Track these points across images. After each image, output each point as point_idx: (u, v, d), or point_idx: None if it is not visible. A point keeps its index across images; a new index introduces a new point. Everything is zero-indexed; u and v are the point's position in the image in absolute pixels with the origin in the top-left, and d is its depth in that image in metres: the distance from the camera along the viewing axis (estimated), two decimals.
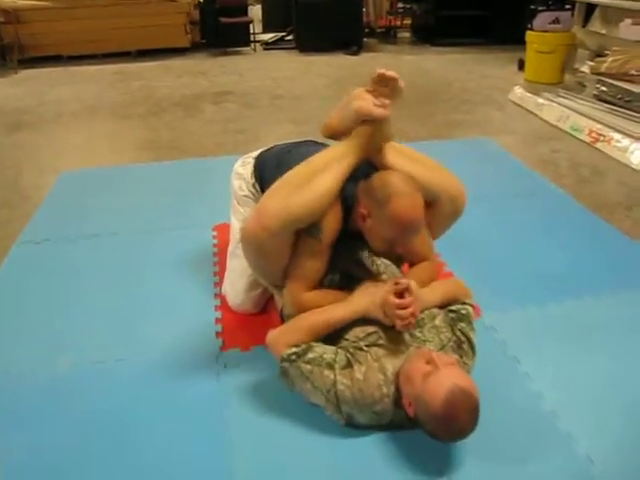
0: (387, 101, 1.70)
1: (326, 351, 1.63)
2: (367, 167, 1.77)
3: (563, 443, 1.60)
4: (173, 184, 3.39)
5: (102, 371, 1.91)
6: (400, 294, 1.63)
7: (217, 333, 2.07)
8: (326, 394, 1.60)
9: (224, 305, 2.20)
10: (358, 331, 1.69)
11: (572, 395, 1.78)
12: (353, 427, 1.63)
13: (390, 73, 1.68)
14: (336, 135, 1.85)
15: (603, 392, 1.79)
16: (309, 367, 1.61)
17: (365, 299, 1.69)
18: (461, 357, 1.69)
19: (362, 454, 1.57)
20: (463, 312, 1.79)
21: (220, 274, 2.34)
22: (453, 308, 1.80)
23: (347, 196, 1.72)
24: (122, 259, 2.58)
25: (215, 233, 2.74)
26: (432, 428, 1.49)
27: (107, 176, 3.53)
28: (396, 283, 1.66)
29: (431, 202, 1.80)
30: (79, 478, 1.54)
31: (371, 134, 1.73)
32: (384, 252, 1.78)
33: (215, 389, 1.81)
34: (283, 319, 1.87)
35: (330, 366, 1.60)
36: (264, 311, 2.15)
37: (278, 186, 1.68)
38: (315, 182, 1.65)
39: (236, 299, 2.15)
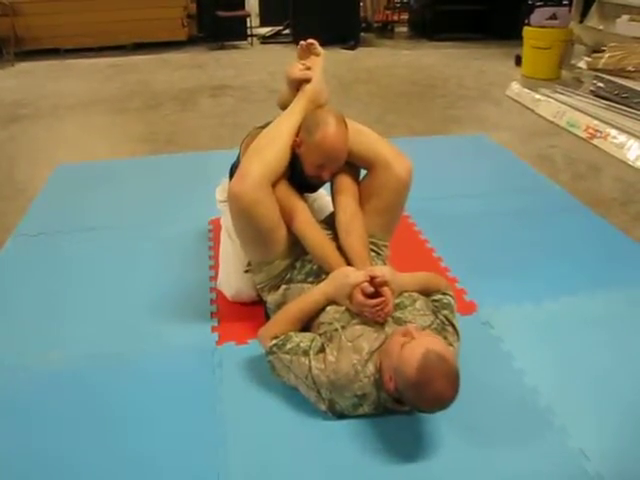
0: (308, 64, 2.02)
1: (303, 339, 1.69)
2: None
3: (557, 438, 1.61)
4: (169, 178, 3.38)
5: (96, 364, 1.91)
6: (371, 295, 1.68)
7: (213, 327, 2.06)
8: (305, 381, 1.62)
9: (220, 299, 2.20)
10: (332, 311, 1.74)
11: (567, 390, 1.78)
12: (340, 417, 1.63)
13: (309, 40, 2.08)
14: (287, 105, 2.03)
15: (598, 388, 1.79)
16: (288, 357, 1.66)
17: (334, 286, 1.75)
18: (445, 339, 1.70)
19: (354, 443, 1.57)
20: (445, 301, 1.82)
21: (216, 268, 2.33)
22: (435, 298, 1.84)
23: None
24: (118, 252, 2.58)
25: (211, 227, 2.73)
26: (412, 397, 1.48)
27: (103, 169, 3.52)
28: (372, 277, 1.69)
29: (369, 168, 1.96)
30: (72, 470, 1.53)
31: (308, 95, 1.96)
32: (315, 178, 1.91)
33: (210, 382, 1.81)
34: (268, 316, 1.95)
35: (305, 353, 1.64)
36: (260, 303, 2.15)
37: (249, 153, 1.85)
38: (277, 138, 1.87)
39: (232, 288, 2.15)
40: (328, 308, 1.75)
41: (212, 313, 2.14)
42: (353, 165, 1.98)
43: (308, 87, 1.99)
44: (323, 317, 1.75)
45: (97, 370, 1.88)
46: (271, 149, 1.83)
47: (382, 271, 1.72)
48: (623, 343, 1.99)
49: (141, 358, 1.94)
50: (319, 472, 1.52)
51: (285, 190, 1.88)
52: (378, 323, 1.69)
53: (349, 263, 1.83)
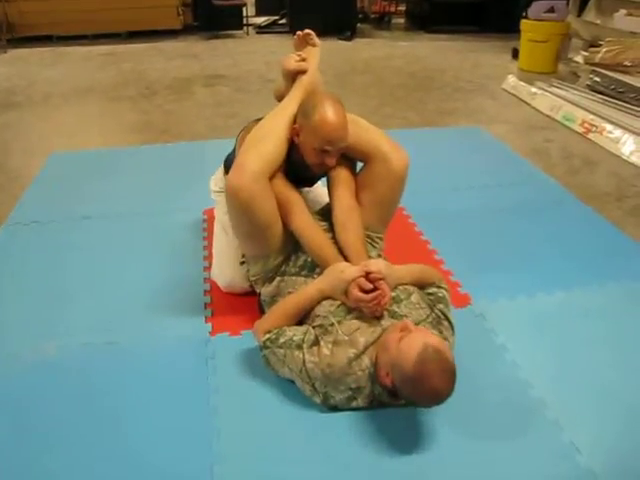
0: (304, 55, 2.01)
1: (296, 333, 1.68)
2: None
3: (550, 431, 1.61)
4: (164, 167, 3.36)
5: (90, 354, 1.90)
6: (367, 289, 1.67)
7: (206, 318, 2.06)
8: (299, 374, 1.62)
9: (214, 290, 2.19)
10: (327, 304, 1.74)
11: (560, 384, 1.79)
12: (335, 409, 1.63)
13: (306, 31, 2.09)
14: (283, 96, 2.03)
15: (591, 381, 1.80)
16: (282, 351, 1.66)
17: (329, 282, 1.74)
18: (441, 332, 1.70)
19: (349, 435, 1.57)
20: (440, 295, 1.82)
21: (209, 259, 2.32)
22: (430, 291, 1.83)
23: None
24: (111, 242, 2.56)
25: (205, 217, 2.72)
26: (408, 392, 1.49)
27: (97, 158, 3.49)
28: (367, 272, 1.69)
29: (366, 161, 1.94)
30: (66, 460, 1.53)
31: (304, 86, 1.96)
32: (318, 166, 1.87)
33: (204, 374, 1.81)
34: (262, 308, 1.95)
35: (299, 346, 1.64)
36: (253, 294, 2.14)
37: (246, 146, 1.83)
38: (273, 130, 1.85)
39: (225, 278, 2.15)
40: (324, 301, 1.75)
41: (206, 304, 2.13)
42: (349, 158, 1.96)
43: (304, 78, 1.98)
44: (318, 309, 1.75)
45: (91, 360, 1.88)
46: (268, 142, 1.81)
47: (378, 265, 1.71)
48: (616, 336, 1.99)
49: (134, 348, 1.93)
50: (314, 463, 1.52)
51: (281, 184, 1.86)
52: (375, 317, 1.68)
53: (346, 259, 1.82)
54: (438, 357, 1.44)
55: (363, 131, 1.93)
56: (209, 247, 2.42)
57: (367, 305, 1.66)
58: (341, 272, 1.72)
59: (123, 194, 3.02)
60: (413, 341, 1.47)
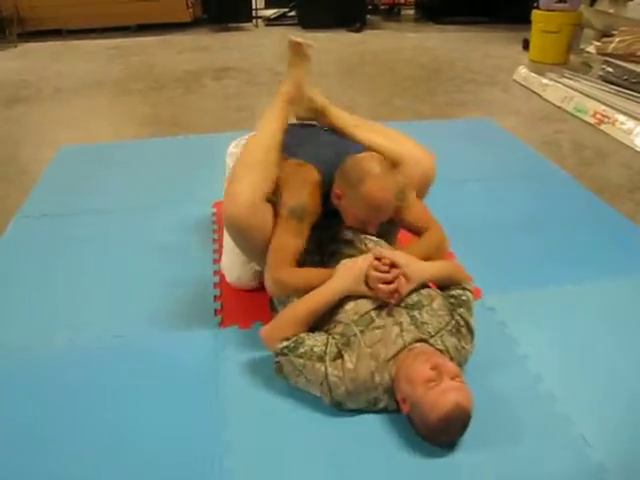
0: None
1: (317, 343, 1.63)
2: (343, 147, 1.88)
3: (560, 425, 1.61)
4: (173, 160, 3.36)
5: (100, 347, 1.91)
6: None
7: (216, 310, 2.06)
8: (320, 387, 1.60)
9: (223, 282, 2.19)
10: (351, 313, 1.67)
11: (570, 377, 1.78)
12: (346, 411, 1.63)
13: (298, 39, 2.07)
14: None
15: (601, 375, 1.79)
16: (301, 361, 1.61)
17: (344, 278, 1.68)
18: (459, 341, 1.68)
19: (357, 430, 1.58)
20: (463, 298, 1.77)
21: (219, 251, 2.33)
22: (453, 293, 1.79)
23: (327, 180, 1.80)
24: (121, 235, 2.57)
25: (215, 210, 2.72)
26: (422, 432, 1.51)
27: (106, 151, 3.50)
28: (377, 258, 1.67)
29: (398, 167, 1.91)
30: (73, 453, 1.54)
31: (285, 97, 2.00)
32: (359, 229, 1.83)
33: (213, 366, 1.81)
34: (272, 308, 1.91)
35: (321, 358, 1.60)
36: (263, 288, 2.14)
37: (236, 170, 1.81)
38: (264, 155, 1.81)
39: (233, 274, 2.15)
40: (347, 307, 1.68)
41: (215, 296, 2.13)
42: None
43: (283, 90, 2.01)
44: (341, 316, 1.68)
45: (99, 352, 1.89)
46: (258, 170, 1.77)
47: (394, 255, 1.68)
48: (628, 330, 1.98)
49: (144, 340, 1.94)
50: (322, 456, 1.52)
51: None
52: (397, 326, 1.63)
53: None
54: (464, 416, 1.46)
55: (390, 140, 1.97)
56: (219, 240, 2.43)
57: (385, 287, 1.62)
58: (353, 265, 1.69)
59: (133, 187, 3.02)
60: (445, 397, 1.43)
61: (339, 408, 1.62)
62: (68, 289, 2.21)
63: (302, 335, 1.65)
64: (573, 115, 4.12)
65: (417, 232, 1.92)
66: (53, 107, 4.44)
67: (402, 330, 1.63)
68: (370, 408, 1.61)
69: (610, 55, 4.48)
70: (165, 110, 4.32)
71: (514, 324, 1.99)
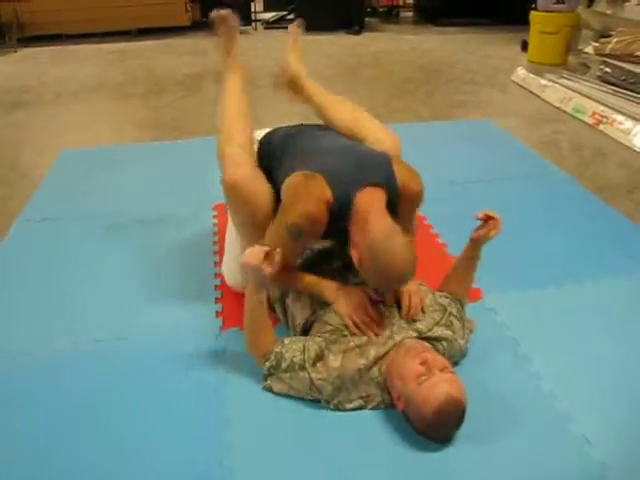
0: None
1: (295, 354, 1.65)
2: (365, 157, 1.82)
3: (560, 423, 1.61)
4: (173, 163, 3.37)
5: (101, 351, 1.92)
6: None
7: (217, 312, 2.07)
8: (310, 392, 1.63)
9: (224, 284, 2.20)
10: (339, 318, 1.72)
11: (570, 376, 1.78)
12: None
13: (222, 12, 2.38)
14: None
15: (602, 374, 1.79)
16: (287, 374, 1.65)
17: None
18: (454, 333, 1.71)
19: (356, 428, 1.58)
20: (457, 299, 1.85)
21: (220, 253, 2.33)
22: (447, 294, 1.86)
23: (341, 202, 1.68)
24: (121, 238, 2.58)
25: (215, 213, 2.73)
26: (418, 428, 1.52)
27: (107, 155, 3.51)
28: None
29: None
30: (72, 454, 1.54)
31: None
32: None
33: (214, 368, 1.82)
34: (272, 309, 1.92)
35: (302, 367, 1.62)
36: None
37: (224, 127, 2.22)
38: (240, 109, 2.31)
39: (231, 277, 2.15)
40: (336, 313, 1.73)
41: (216, 298, 2.14)
42: None
43: (227, 64, 2.48)
44: (331, 318, 1.72)
45: (101, 355, 1.89)
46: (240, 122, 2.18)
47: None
48: (628, 329, 1.98)
49: (145, 342, 1.95)
50: (322, 455, 1.53)
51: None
52: (388, 329, 1.69)
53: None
54: (457, 407, 1.46)
55: (352, 117, 2.11)
56: (219, 242, 2.43)
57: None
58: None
59: (133, 191, 3.03)
60: (436, 390, 1.45)
61: (339, 410, 1.63)
62: (69, 293, 2.22)
63: (280, 351, 1.67)
64: (572, 115, 4.12)
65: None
66: (53, 112, 4.45)
67: (393, 332, 1.67)
68: (367, 406, 1.62)
69: (608, 56, 4.49)
70: (165, 114, 4.33)
71: (514, 324, 1.99)
